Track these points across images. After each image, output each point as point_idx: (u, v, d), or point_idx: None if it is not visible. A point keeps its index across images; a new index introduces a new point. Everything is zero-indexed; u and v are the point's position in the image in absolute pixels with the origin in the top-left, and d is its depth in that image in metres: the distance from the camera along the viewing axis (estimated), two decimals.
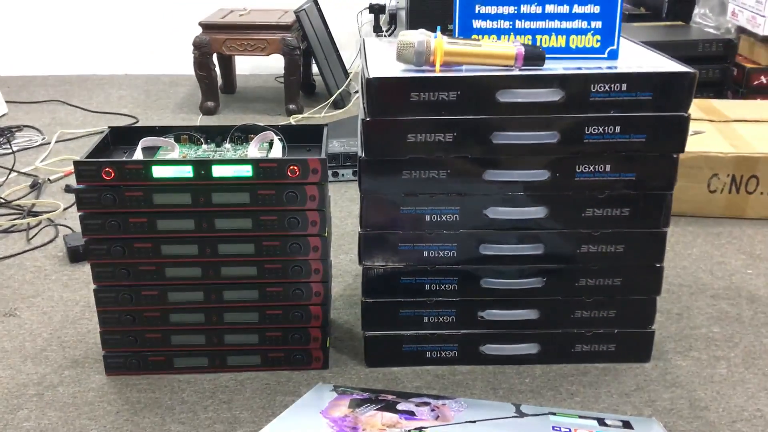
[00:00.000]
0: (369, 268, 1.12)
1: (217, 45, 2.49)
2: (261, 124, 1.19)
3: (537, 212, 1.09)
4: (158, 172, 1.02)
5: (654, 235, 1.11)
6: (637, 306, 1.15)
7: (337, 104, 2.60)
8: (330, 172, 1.96)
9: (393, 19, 2.94)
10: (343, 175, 1.97)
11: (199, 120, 2.48)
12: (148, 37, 3.08)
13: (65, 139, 2.28)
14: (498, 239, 1.11)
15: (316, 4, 2.77)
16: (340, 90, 2.60)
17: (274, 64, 2.76)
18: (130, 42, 3.09)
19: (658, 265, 1.12)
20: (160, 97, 2.76)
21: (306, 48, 2.59)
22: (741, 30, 2.31)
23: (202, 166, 1.02)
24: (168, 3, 3.04)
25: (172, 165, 1.02)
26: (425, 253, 1.11)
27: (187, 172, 1.03)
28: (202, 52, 2.48)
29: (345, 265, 1.50)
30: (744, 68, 2.22)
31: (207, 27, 2.49)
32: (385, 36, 2.92)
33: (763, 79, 2.20)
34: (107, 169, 1.01)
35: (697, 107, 1.95)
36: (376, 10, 2.90)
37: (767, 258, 1.51)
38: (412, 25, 2.74)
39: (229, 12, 2.67)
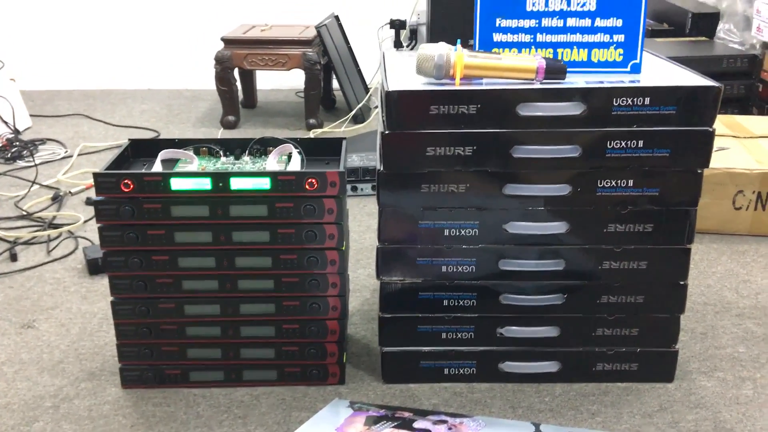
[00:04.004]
0: (387, 282, 1.11)
1: (238, 60, 2.50)
2: (280, 137, 1.19)
3: (558, 227, 1.08)
4: (177, 184, 1.02)
5: (678, 252, 1.08)
6: (661, 324, 1.12)
7: (357, 119, 2.60)
8: (349, 187, 1.95)
9: (414, 34, 2.94)
10: (362, 189, 1.96)
11: (220, 134, 2.49)
12: (171, 52, 3.11)
13: (87, 153, 2.30)
14: (518, 254, 1.09)
15: (338, 19, 2.78)
16: (360, 105, 2.60)
17: (295, 79, 2.77)
18: (153, 57, 3.12)
19: (681, 283, 1.10)
20: (182, 111, 2.78)
21: (327, 63, 2.60)
22: (766, 45, 2.28)
23: (220, 178, 1.02)
24: (191, 18, 3.07)
25: (190, 177, 1.02)
26: (444, 268, 1.10)
27: (205, 184, 1.02)
28: (223, 66, 2.50)
29: (363, 279, 1.49)
30: None
31: (229, 42, 2.51)
32: (406, 50, 2.92)
33: None
34: (126, 181, 1.01)
35: (722, 123, 1.92)
36: (397, 25, 2.90)
37: None
38: (433, 40, 2.73)
39: (251, 27, 2.69)
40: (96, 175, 1.02)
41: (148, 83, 3.12)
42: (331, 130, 2.53)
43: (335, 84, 2.73)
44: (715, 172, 1.62)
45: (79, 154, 2.26)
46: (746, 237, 1.66)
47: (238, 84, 2.67)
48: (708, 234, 1.66)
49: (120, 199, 1.02)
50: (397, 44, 2.93)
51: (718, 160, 1.64)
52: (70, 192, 1.94)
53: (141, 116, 2.71)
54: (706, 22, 2.48)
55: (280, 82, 3.05)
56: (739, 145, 1.76)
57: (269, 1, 3.04)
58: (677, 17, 2.58)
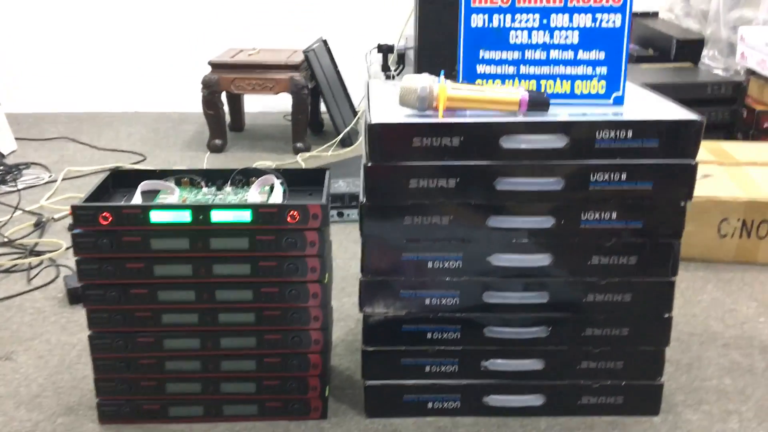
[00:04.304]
0: (369, 315, 1.10)
1: (225, 84, 2.50)
2: (266, 163, 1.18)
3: (542, 260, 1.07)
4: (156, 216, 1.01)
5: (662, 284, 1.08)
6: (645, 357, 1.11)
7: (345, 142, 2.59)
8: (335, 212, 1.95)
9: (401, 58, 2.95)
10: (348, 215, 1.95)
11: (206, 158, 2.48)
12: (159, 75, 3.10)
13: (72, 177, 2.28)
14: (502, 287, 1.08)
15: (326, 44, 2.78)
16: (347, 128, 2.60)
17: (283, 102, 2.77)
18: (140, 79, 3.11)
19: (666, 316, 1.09)
20: (169, 135, 2.77)
21: (314, 87, 2.60)
22: (750, 72, 2.29)
23: (200, 211, 1.01)
24: (179, 41, 3.07)
25: (170, 210, 1.01)
26: (427, 301, 1.09)
27: (185, 217, 1.01)
28: (210, 90, 2.49)
29: (348, 308, 1.47)
30: (754, 110, 2.21)
31: (216, 66, 2.51)
32: (393, 75, 2.93)
33: None
34: (104, 214, 1.00)
35: (707, 149, 1.93)
36: (385, 50, 2.91)
37: None
38: (421, 64, 2.74)
39: (239, 51, 2.69)
40: (74, 208, 1.01)
41: (135, 106, 3.11)
42: (318, 153, 2.53)
43: (323, 107, 2.73)
44: (700, 200, 1.62)
45: (63, 179, 2.25)
46: (732, 265, 1.66)
47: (226, 107, 2.67)
48: (693, 262, 1.66)
49: (98, 231, 1.01)
50: (385, 68, 2.94)
51: (702, 188, 1.65)
52: (53, 218, 1.92)
53: (128, 140, 2.70)
54: (691, 49, 2.50)
55: (268, 105, 3.05)
56: (724, 172, 1.77)
57: (258, 25, 3.04)
58: (662, 43, 2.61)
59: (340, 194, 1.96)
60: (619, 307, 1.09)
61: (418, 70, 2.75)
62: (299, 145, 2.54)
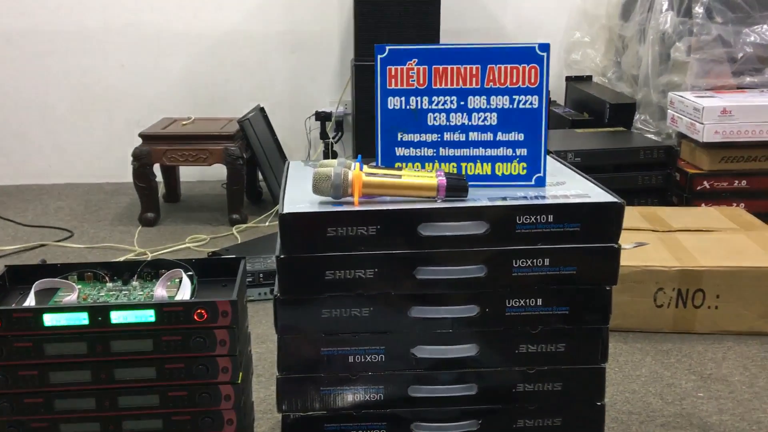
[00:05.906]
0: (289, 414, 1.03)
1: (157, 156, 2.43)
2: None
3: (467, 350, 1.02)
4: (50, 320, 0.93)
5: (592, 371, 1.04)
6: None
7: None
8: (268, 289, 1.88)
9: (339, 125, 2.94)
10: None
11: (138, 232, 2.39)
12: (92, 144, 3.00)
13: None
14: (427, 380, 1.03)
15: (263, 111, 2.75)
16: None
17: (221, 170, 2.71)
18: (72, 149, 3.01)
19: (599, 404, 1.05)
20: (100, 208, 2.68)
21: (251, 156, 2.55)
22: (682, 135, 2.33)
23: (98, 312, 0.94)
24: (113, 110, 2.99)
25: (65, 312, 0.94)
26: (350, 397, 1.03)
27: (82, 318, 0.94)
28: (141, 163, 2.42)
29: None
30: (687, 173, 2.23)
31: (147, 138, 2.44)
32: (332, 142, 2.91)
33: (706, 184, 2.21)
34: None
35: (641, 215, 1.93)
36: (323, 117, 2.90)
37: (717, 378, 1.45)
38: (359, 130, 2.73)
39: (173, 121, 2.63)
40: None
41: (66, 177, 3.00)
42: (255, 225, 2.47)
43: (261, 175, 2.67)
44: (635, 270, 1.60)
45: None
46: (670, 335, 1.63)
47: (160, 178, 2.59)
48: (632, 332, 1.63)
49: None
50: (323, 135, 2.92)
51: (637, 258, 1.63)
52: None
53: (56, 214, 2.60)
54: (624, 113, 2.54)
55: (205, 173, 2.97)
56: (658, 239, 1.76)
57: (194, 93, 3.00)
58: (596, 107, 2.65)
59: (275, 270, 1.89)
60: (550, 397, 1.04)
61: (356, 137, 2.74)
62: (235, 216, 2.47)
